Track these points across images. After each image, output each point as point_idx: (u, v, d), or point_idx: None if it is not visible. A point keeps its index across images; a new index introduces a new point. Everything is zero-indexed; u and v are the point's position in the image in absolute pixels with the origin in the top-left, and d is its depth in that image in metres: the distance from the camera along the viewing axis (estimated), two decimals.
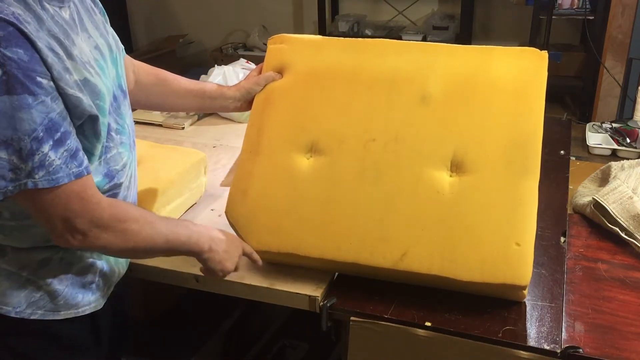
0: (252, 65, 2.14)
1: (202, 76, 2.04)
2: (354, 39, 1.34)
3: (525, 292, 1.07)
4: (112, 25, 1.11)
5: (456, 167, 1.12)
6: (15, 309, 0.97)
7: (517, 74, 1.18)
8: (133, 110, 1.15)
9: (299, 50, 1.32)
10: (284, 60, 1.31)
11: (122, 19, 4.51)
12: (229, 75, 2.01)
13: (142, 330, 1.77)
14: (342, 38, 1.35)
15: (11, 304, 0.97)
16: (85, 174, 0.90)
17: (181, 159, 1.44)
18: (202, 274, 1.18)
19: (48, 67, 0.84)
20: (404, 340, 1.06)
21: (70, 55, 0.89)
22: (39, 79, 0.83)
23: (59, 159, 0.86)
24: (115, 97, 1.01)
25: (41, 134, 0.83)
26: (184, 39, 4.39)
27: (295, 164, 1.19)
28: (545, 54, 1.20)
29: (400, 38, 3.71)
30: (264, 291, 1.15)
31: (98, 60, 0.97)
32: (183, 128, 1.94)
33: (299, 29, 4.26)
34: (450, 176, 1.12)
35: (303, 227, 1.14)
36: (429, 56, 1.23)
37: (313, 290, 1.13)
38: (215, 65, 2.10)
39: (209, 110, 1.40)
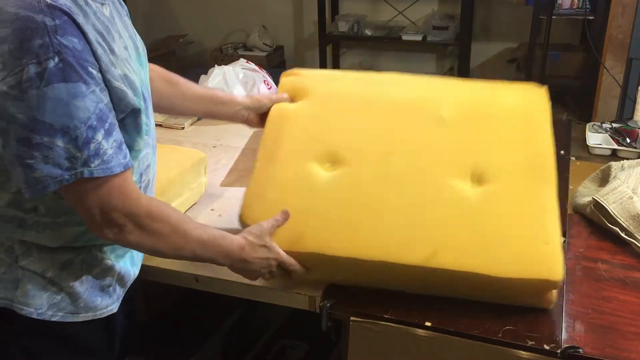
0: (252, 65, 2.13)
1: (202, 76, 2.03)
2: (366, 72, 1.40)
3: (555, 296, 1.07)
4: None
5: (477, 179, 1.14)
6: (37, 310, 0.96)
7: (522, 105, 1.25)
8: None
9: (313, 81, 1.35)
10: (297, 89, 1.33)
11: None
12: (229, 75, 2.00)
13: (142, 329, 1.77)
14: (354, 71, 1.41)
15: (33, 305, 0.96)
16: (130, 166, 0.91)
17: (181, 159, 1.44)
18: (202, 274, 1.19)
19: (97, 59, 0.86)
20: (404, 340, 1.06)
21: (112, 51, 0.90)
22: (90, 68, 0.84)
23: (110, 148, 0.87)
24: (144, 98, 1.01)
25: (95, 122, 0.84)
26: (184, 39, 4.38)
27: (314, 172, 1.18)
28: (544, 89, 1.28)
29: (400, 38, 3.72)
30: (264, 291, 1.15)
31: (128, 60, 0.97)
32: (183, 128, 1.94)
33: (299, 29, 4.26)
34: (472, 187, 1.13)
35: (327, 229, 1.10)
36: (439, 88, 1.32)
37: (313, 290, 1.13)
38: (215, 65, 2.09)
39: (217, 116, 1.41)
